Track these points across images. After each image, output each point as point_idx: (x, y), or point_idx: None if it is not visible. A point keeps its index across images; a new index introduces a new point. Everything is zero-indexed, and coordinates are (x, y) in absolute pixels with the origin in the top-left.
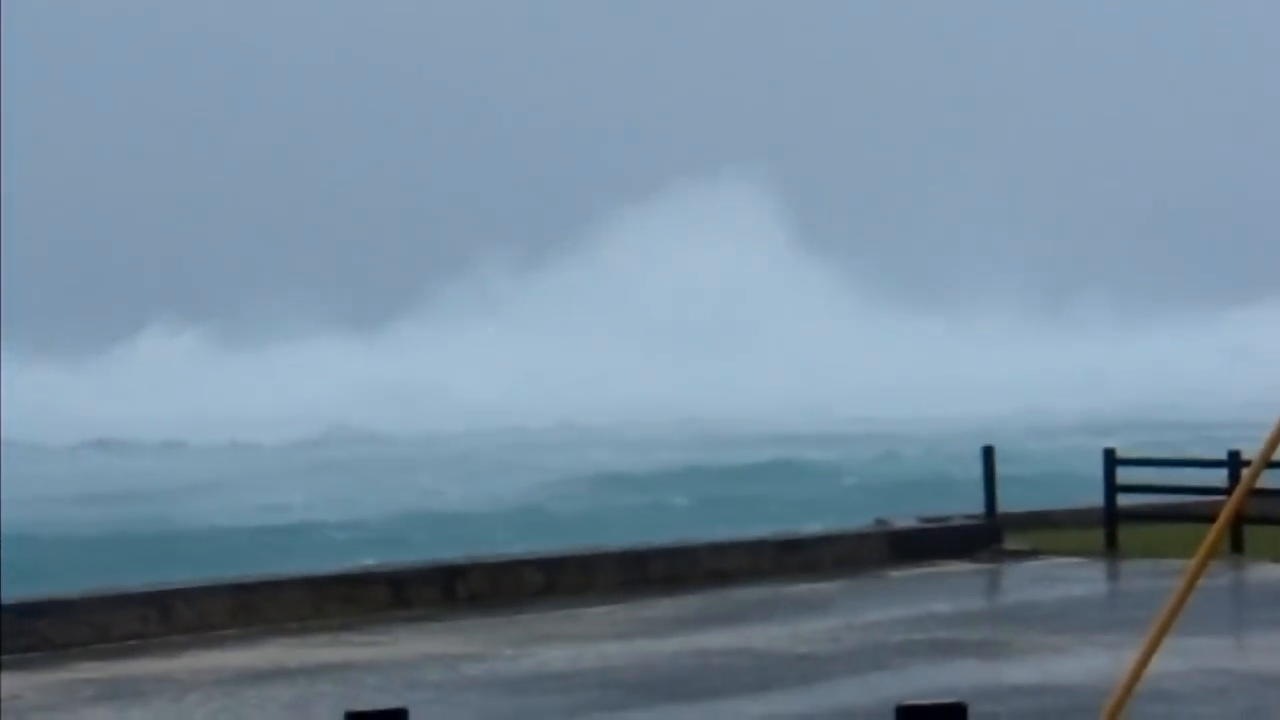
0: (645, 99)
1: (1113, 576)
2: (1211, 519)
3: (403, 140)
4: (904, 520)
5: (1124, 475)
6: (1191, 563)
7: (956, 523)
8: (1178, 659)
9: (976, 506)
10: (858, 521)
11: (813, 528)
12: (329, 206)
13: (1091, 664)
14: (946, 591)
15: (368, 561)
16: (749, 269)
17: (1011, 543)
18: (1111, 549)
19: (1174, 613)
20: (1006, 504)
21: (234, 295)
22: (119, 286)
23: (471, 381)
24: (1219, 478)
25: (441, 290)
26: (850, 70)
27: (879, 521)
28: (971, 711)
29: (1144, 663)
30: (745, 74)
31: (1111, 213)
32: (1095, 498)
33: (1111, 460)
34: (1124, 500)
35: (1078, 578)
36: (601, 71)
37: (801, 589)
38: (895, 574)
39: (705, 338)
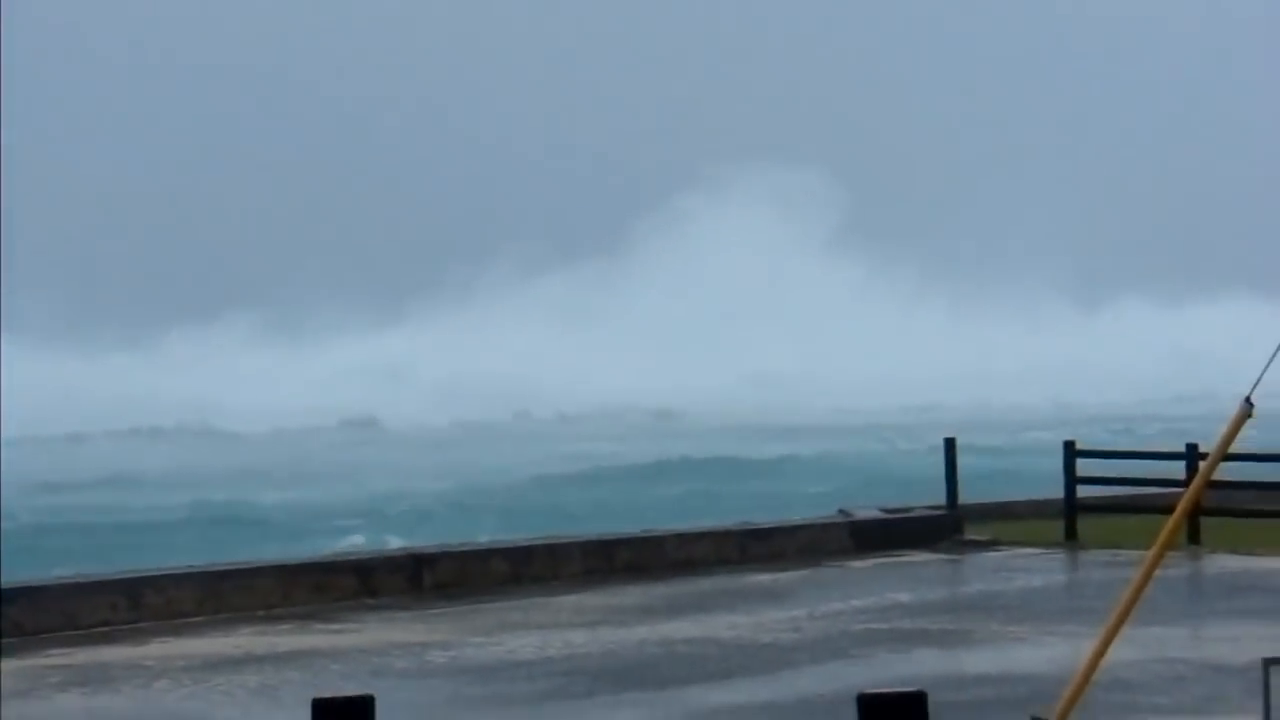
0: (683, 91)
1: (1072, 567)
2: (1169, 510)
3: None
4: (866, 511)
5: (1084, 467)
6: (1149, 553)
7: (918, 513)
8: (1135, 648)
9: (1054, 492)
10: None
11: (777, 518)
12: (371, 206)
13: (1051, 653)
14: (908, 581)
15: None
16: (790, 261)
17: (972, 533)
18: (1071, 540)
19: (1132, 602)
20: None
21: (284, 288)
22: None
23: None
24: (1177, 470)
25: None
26: (891, 65)
27: (842, 512)
28: (932, 700)
29: (1102, 651)
30: (784, 67)
31: (1152, 204)
32: (1055, 489)
33: (1071, 452)
34: (1084, 491)
35: (1037, 568)
36: (638, 65)
37: (765, 578)
38: (857, 564)
39: (754, 330)
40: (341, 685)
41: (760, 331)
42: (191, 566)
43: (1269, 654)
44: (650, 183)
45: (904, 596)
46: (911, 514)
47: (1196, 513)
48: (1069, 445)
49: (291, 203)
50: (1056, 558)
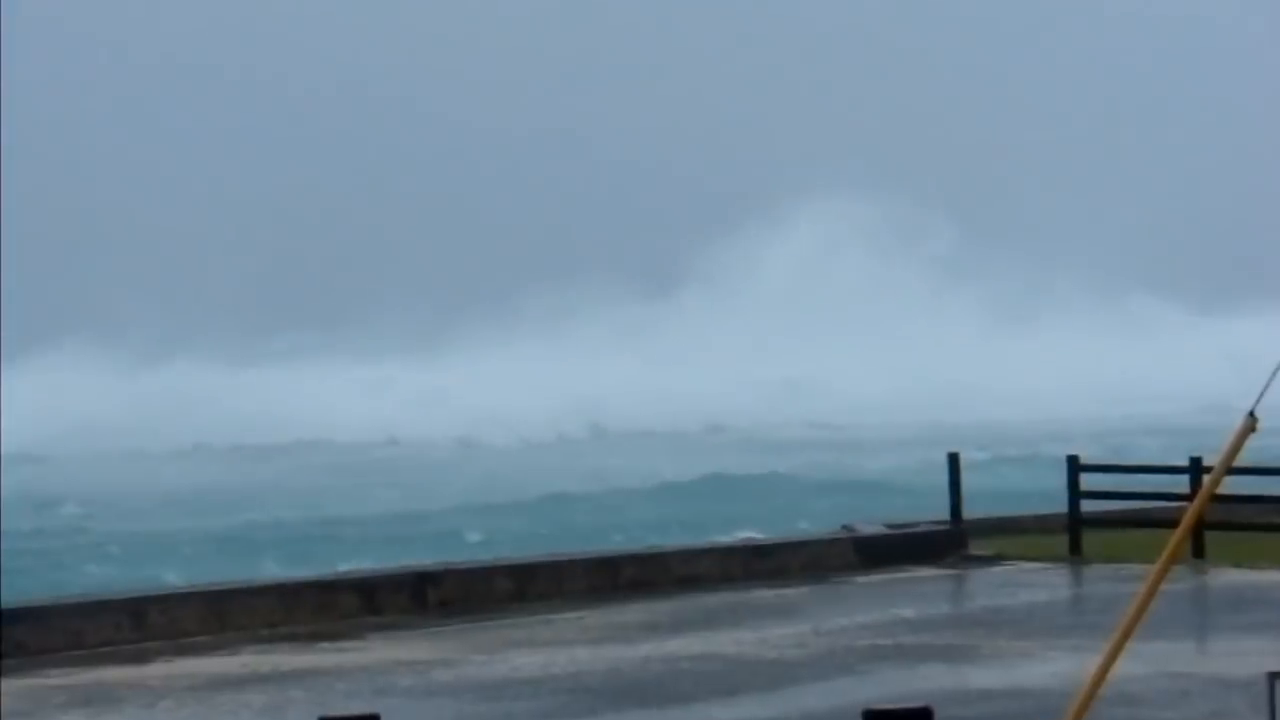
0: (755, 116)
1: (1076, 582)
2: (1174, 525)
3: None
4: (870, 526)
5: (1088, 482)
6: (1154, 568)
7: (922, 528)
8: (1141, 663)
9: (1059, 507)
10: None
11: (781, 534)
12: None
13: (1056, 668)
14: (912, 597)
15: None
16: (860, 278)
17: (976, 548)
18: (1075, 554)
19: (1137, 617)
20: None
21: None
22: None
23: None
24: (1181, 484)
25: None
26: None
27: (846, 528)
28: (938, 715)
29: (1107, 666)
30: (832, 86)
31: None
32: (1060, 504)
33: (1075, 466)
34: (1088, 506)
35: (1042, 583)
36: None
37: (770, 594)
38: (862, 579)
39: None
40: (346, 704)
41: (833, 352)
42: (194, 586)
43: (1274, 668)
44: (719, 210)
45: (909, 612)
46: (916, 529)
47: (1200, 527)
48: (1073, 460)
49: (408, 224)
50: (1061, 572)
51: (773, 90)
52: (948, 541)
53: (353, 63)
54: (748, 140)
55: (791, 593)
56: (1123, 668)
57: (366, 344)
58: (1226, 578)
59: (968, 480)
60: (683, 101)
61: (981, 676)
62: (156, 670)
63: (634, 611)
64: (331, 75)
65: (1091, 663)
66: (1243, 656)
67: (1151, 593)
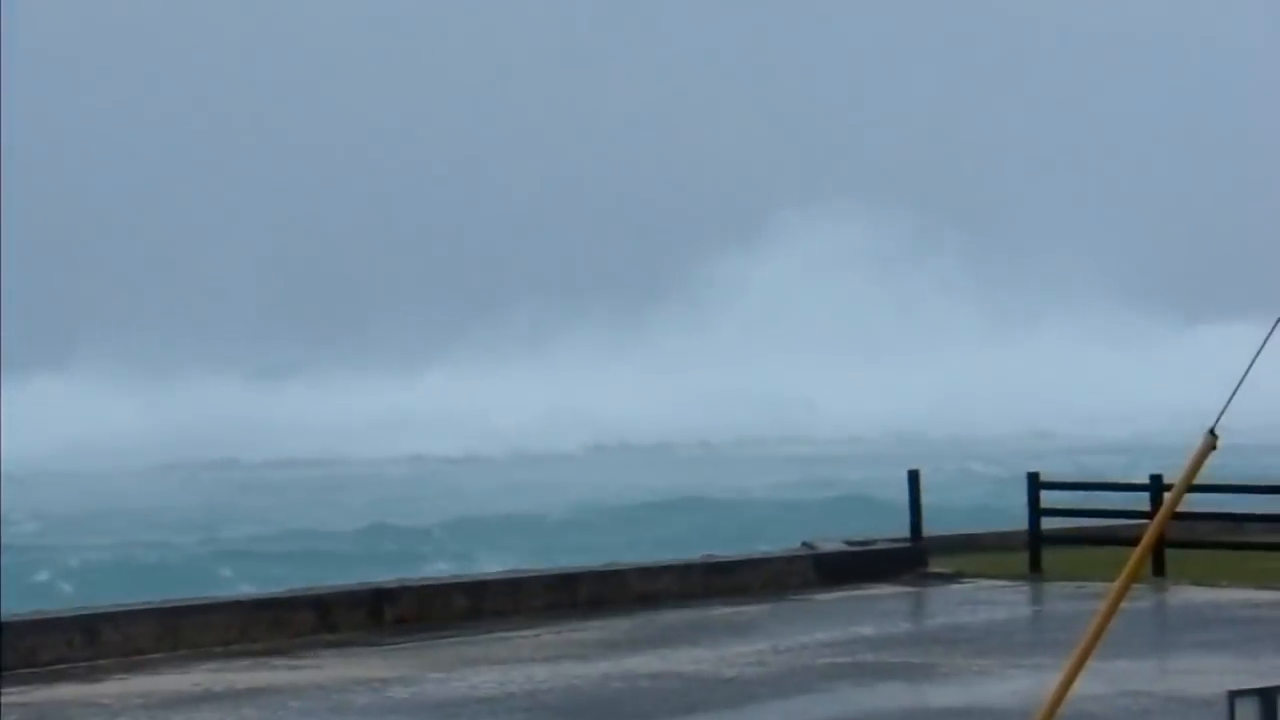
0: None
1: (1036, 599)
2: (1134, 542)
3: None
4: (830, 544)
5: (1049, 499)
6: (1114, 586)
7: (881, 546)
8: (1101, 681)
9: (1019, 524)
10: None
11: (740, 551)
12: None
13: (1016, 686)
14: (872, 614)
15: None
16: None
17: (936, 565)
18: (1035, 572)
19: (1097, 635)
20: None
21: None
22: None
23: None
24: (1142, 501)
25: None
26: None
27: (805, 545)
28: None
29: (1067, 685)
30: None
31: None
32: (1020, 521)
33: (1035, 484)
34: (1048, 523)
35: (1002, 600)
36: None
37: (729, 612)
38: (821, 597)
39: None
40: None
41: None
42: (148, 603)
43: (1234, 687)
44: (708, 224)
45: (868, 630)
46: (875, 547)
47: (1161, 545)
48: (1033, 477)
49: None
50: (1021, 590)
51: (766, 102)
52: (907, 559)
53: (354, 84)
54: (738, 154)
55: (751, 610)
56: (1083, 686)
57: (356, 358)
58: (1187, 596)
59: (972, 494)
60: (677, 115)
61: (940, 695)
62: (110, 688)
63: (592, 629)
64: (333, 87)
65: (1051, 681)
66: (1203, 675)
67: (1112, 611)
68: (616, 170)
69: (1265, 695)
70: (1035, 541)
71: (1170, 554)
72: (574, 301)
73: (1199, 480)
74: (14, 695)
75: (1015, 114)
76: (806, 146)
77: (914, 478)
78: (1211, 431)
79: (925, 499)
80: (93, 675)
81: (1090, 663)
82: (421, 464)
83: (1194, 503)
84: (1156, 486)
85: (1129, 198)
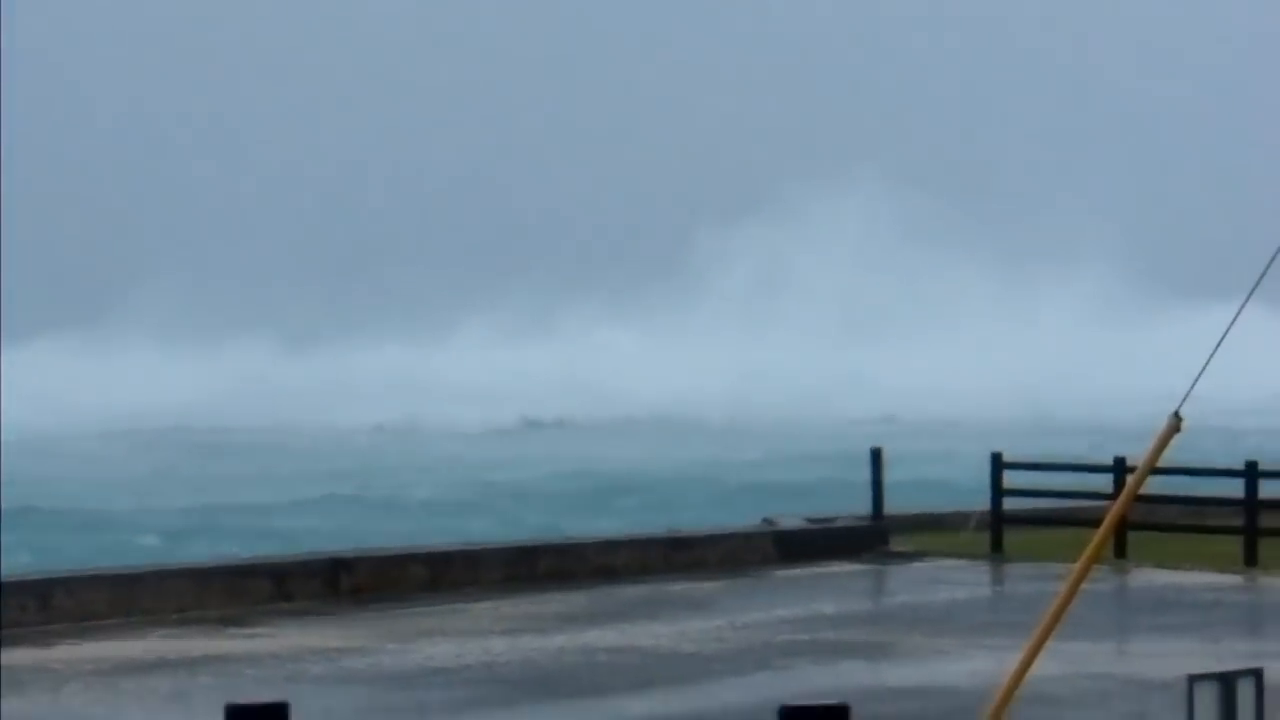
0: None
1: (997, 579)
2: (1096, 524)
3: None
4: (790, 520)
5: (1011, 479)
6: (1075, 567)
7: (843, 523)
8: (1060, 663)
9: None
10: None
11: (701, 527)
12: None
13: (974, 666)
14: (832, 592)
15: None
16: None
17: (897, 544)
18: (997, 552)
19: (1057, 616)
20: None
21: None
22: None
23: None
24: (1104, 483)
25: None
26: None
27: (766, 521)
28: (854, 713)
29: (1026, 666)
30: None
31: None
32: (983, 501)
33: (998, 464)
34: (1010, 504)
35: (962, 580)
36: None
37: (688, 587)
38: (781, 574)
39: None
40: (256, 691)
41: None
42: (102, 569)
43: (1194, 670)
44: (725, 200)
45: (828, 607)
46: (836, 524)
47: (1123, 527)
48: (996, 457)
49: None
50: (982, 570)
51: (772, 74)
52: (869, 537)
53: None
54: (749, 132)
55: (709, 586)
56: (1042, 667)
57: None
58: (1148, 578)
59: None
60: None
61: (899, 674)
62: (61, 654)
63: (550, 602)
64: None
65: (1010, 662)
66: (1163, 658)
67: (1072, 592)
68: (627, 145)
69: (1225, 680)
70: (997, 521)
71: (1132, 536)
72: (581, 273)
73: (1163, 463)
74: None
75: (1025, 90)
76: (813, 121)
77: (876, 455)
78: (1176, 414)
79: (920, 474)
80: (44, 640)
81: (1050, 644)
82: (421, 436)
83: (1158, 485)
84: (1120, 468)
85: (1145, 179)
